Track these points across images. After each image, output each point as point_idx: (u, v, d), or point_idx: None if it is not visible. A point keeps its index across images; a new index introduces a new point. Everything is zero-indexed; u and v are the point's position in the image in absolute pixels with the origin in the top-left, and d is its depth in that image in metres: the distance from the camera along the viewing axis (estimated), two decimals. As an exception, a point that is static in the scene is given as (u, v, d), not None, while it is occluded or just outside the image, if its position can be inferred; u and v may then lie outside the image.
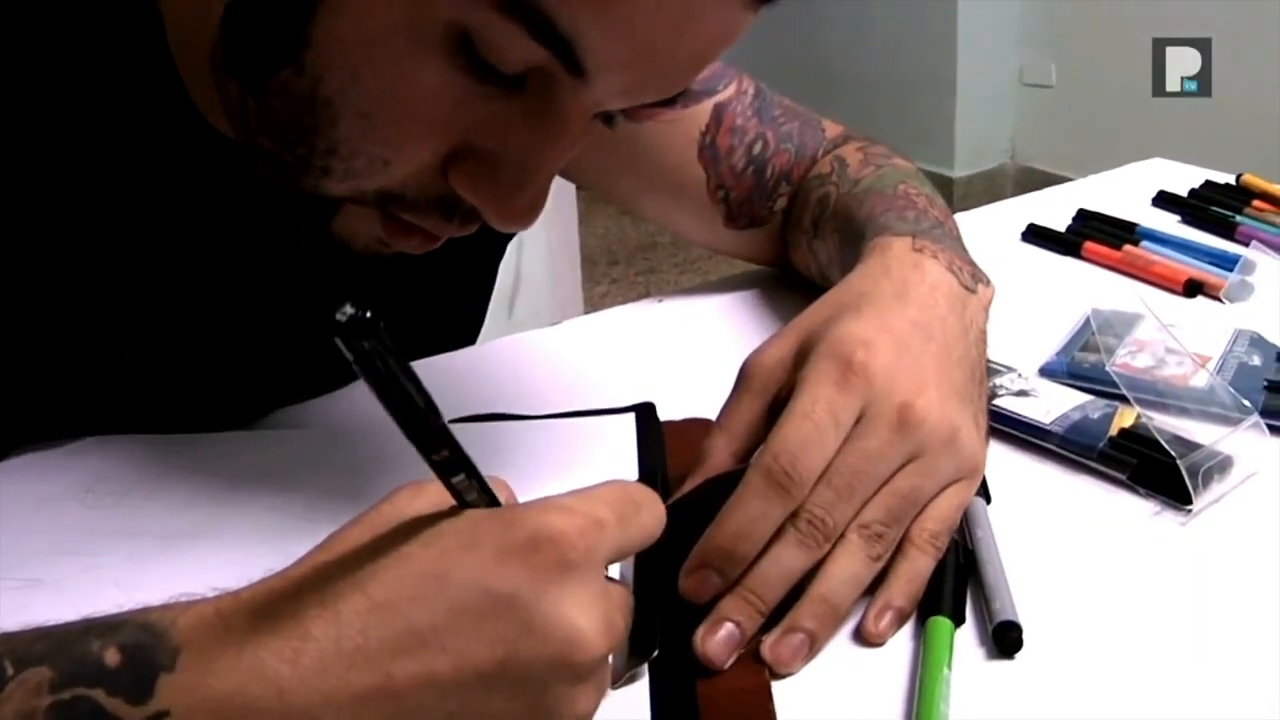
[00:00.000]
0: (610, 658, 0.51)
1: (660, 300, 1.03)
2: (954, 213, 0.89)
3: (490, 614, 0.46)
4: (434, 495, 0.50)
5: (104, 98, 0.67)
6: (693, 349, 0.94)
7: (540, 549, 0.47)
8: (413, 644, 0.45)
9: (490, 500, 0.50)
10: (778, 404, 0.64)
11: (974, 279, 0.73)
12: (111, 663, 0.44)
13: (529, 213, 0.60)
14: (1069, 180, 1.38)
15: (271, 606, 0.46)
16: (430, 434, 0.46)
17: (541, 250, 2.16)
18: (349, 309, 0.40)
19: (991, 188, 4.36)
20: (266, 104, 0.57)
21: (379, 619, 0.45)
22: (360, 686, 0.45)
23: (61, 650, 0.45)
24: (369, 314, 0.40)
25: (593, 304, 3.14)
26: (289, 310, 0.79)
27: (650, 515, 0.53)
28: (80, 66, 0.66)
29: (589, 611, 0.47)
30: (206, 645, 0.45)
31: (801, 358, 0.64)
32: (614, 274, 3.89)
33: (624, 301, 1.05)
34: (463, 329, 0.99)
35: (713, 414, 0.68)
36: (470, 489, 0.49)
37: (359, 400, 0.85)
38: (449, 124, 0.57)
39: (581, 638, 0.47)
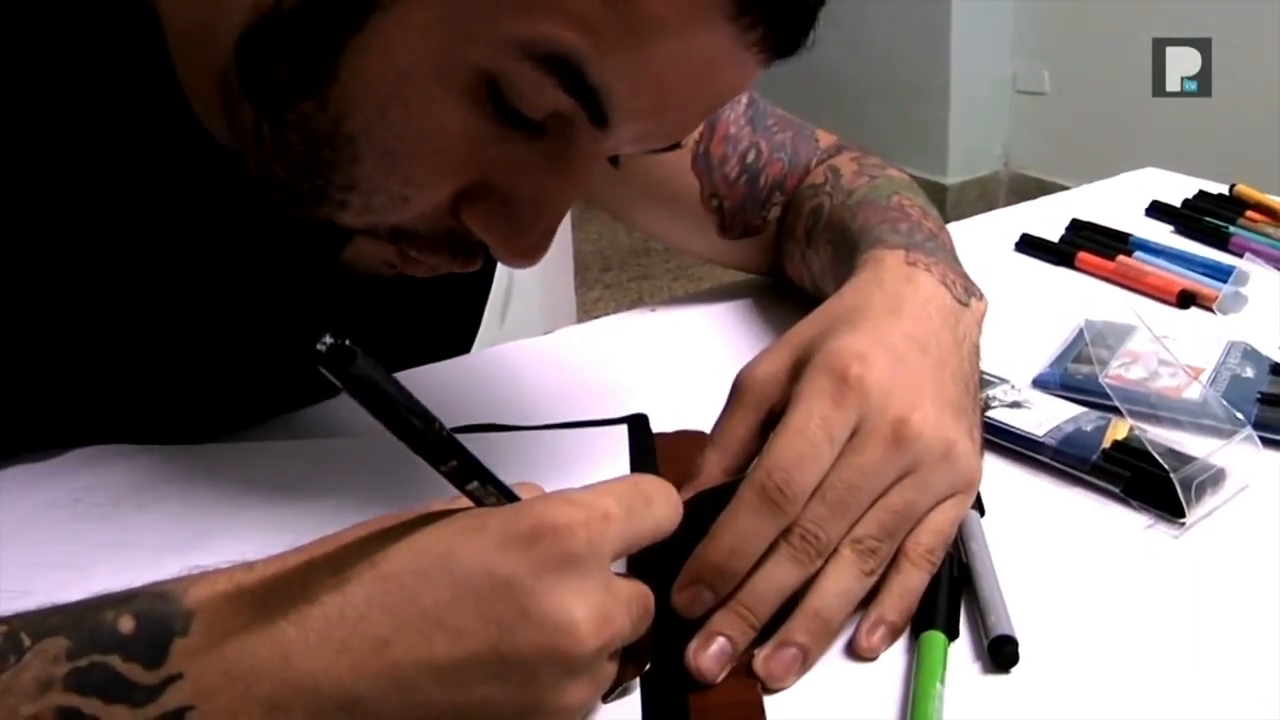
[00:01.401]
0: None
1: (653, 310, 1.03)
2: (947, 220, 0.89)
3: (489, 596, 0.47)
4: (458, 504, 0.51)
5: (102, 106, 0.67)
6: (685, 359, 0.93)
7: (543, 538, 0.48)
8: (413, 617, 0.46)
9: (511, 501, 0.51)
10: (772, 418, 0.64)
11: (967, 292, 0.73)
12: (126, 629, 0.45)
13: (538, 250, 0.62)
14: (1062, 187, 1.38)
15: (284, 574, 0.48)
16: (433, 447, 0.47)
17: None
18: (328, 339, 0.41)
19: (984, 194, 4.36)
20: (283, 135, 0.58)
21: (382, 590, 0.47)
22: (360, 656, 0.46)
23: (77, 620, 0.46)
24: (348, 341, 0.42)
25: (586, 310, 3.14)
26: (287, 316, 0.79)
27: (663, 508, 0.54)
28: (79, 75, 0.66)
29: (585, 604, 0.48)
30: (218, 609, 0.47)
31: (796, 371, 0.64)
32: (607, 280, 3.89)
33: (617, 307, 1.05)
34: (458, 336, 0.99)
35: (705, 425, 0.68)
36: (488, 494, 0.50)
37: (354, 409, 0.85)
38: (468, 164, 0.58)
39: (574, 630, 0.47)
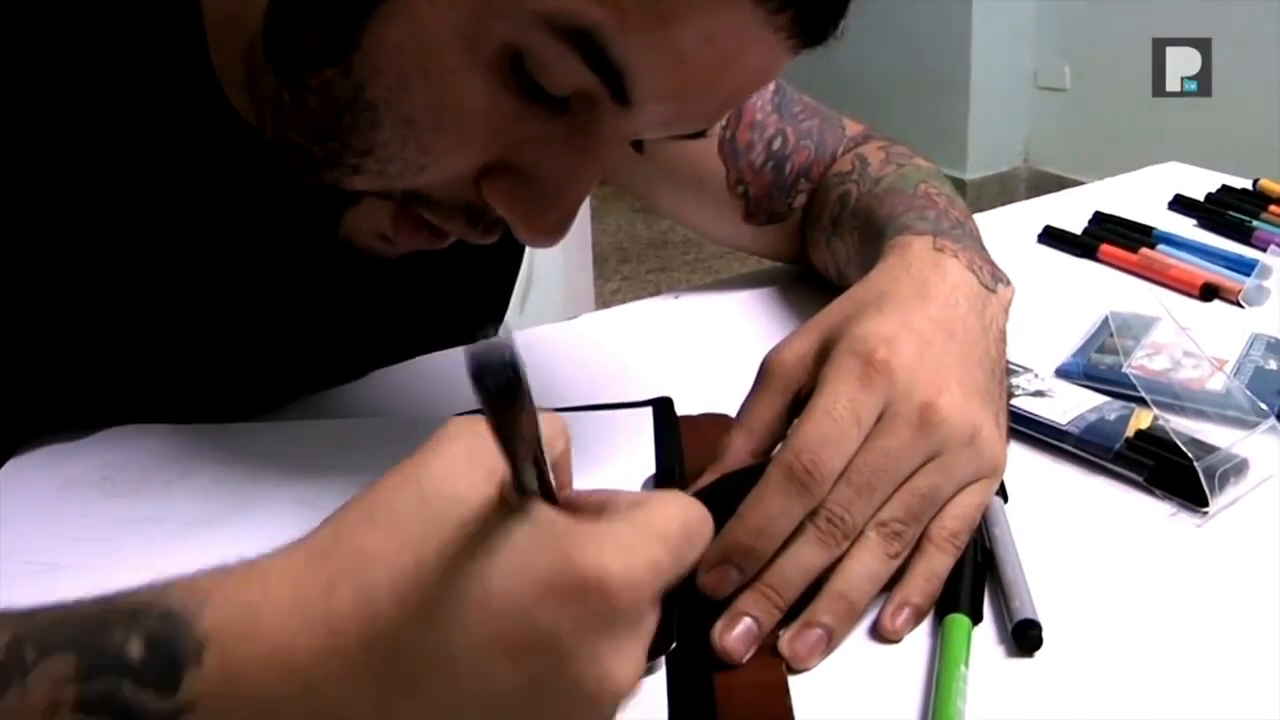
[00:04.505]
0: None
1: (677, 296, 1.04)
2: (967, 214, 0.89)
3: (527, 648, 0.44)
4: (482, 449, 0.45)
5: (138, 89, 0.67)
6: (709, 344, 0.94)
7: (590, 595, 0.44)
8: (444, 662, 0.44)
9: (545, 487, 0.46)
10: (798, 402, 0.64)
11: (994, 279, 0.73)
12: (135, 654, 0.43)
13: (558, 229, 0.62)
14: (1082, 183, 1.38)
15: (303, 600, 0.44)
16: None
17: (554, 248, 2.16)
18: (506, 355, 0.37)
19: (1004, 190, 4.35)
20: (303, 100, 0.58)
21: (414, 631, 0.43)
22: (388, 692, 0.43)
23: (84, 637, 0.43)
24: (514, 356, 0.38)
25: (604, 301, 3.14)
26: (306, 298, 0.79)
27: (701, 544, 0.50)
28: (116, 58, 0.66)
29: (627, 664, 0.45)
30: (234, 639, 0.43)
31: (823, 355, 0.64)
32: (625, 271, 3.89)
33: (635, 299, 1.05)
34: (486, 319, 0.99)
35: (729, 409, 0.68)
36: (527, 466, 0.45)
37: (379, 391, 0.86)
38: (490, 138, 0.58)
39: (614, 686, 0.45)
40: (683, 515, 0.49)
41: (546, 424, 0.45)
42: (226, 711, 0.43)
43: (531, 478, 0.45)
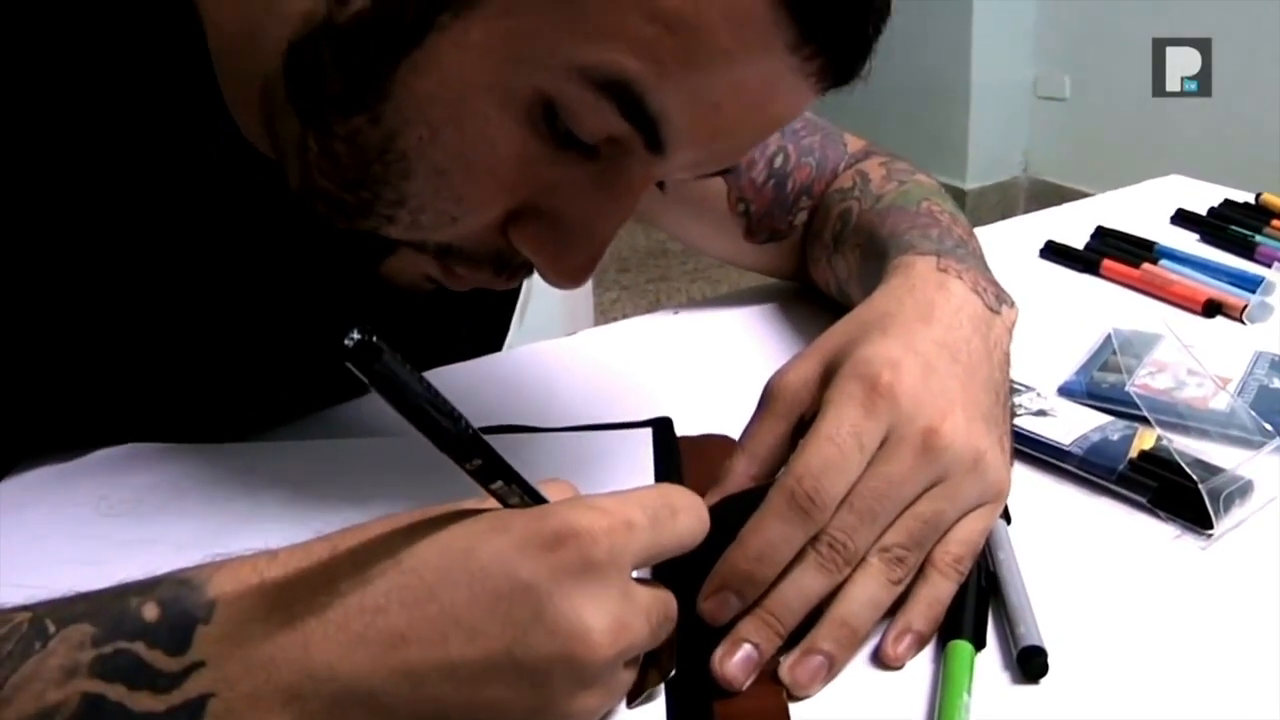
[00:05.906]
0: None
1: (676, 312, 1.03)
2: (967, 227, 0.89)
3: (506, 598, 0.47)
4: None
5: (143, 112, 0.66)
6: (709, 362, 0.93)
7: (564, 544, 0.48)
8: (430, 615, 0.47)
9: (536, 501, 0.51)
10: (802, 425, 0.64)
11: (998, 300, 0.72)
12: (150, 617, 0.47)
13: (585, 271, 0.62)
14: (1082, 193, 1.38)
15: (307, 564, 0.49)
16: (458, 444, 0.47)
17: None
18: (355, 334, 0.42)
19: (1004, 200, 4.35)
20: (331, 147, 0.58)
21: (402, 584, 0.47)
22: (376, 650, 0.47)
23: (101, 608, 0.47)
24: (375, 337, 0.42)
25: (602, 311, 3.14)
26: (320, 316, 0.78)
27: (688, 520, 0.54)
28: (120, 80, 0.65)
29: (602, 613, 0.48)
30: (241, 598, 0.47)
31: (826, 378, 0.64)
32: (624, 281, 3.88)
33: (634, 309, 1.05)
34: (490, 335, 0.99)
35: (729, 429, 0.68)
36: (513, 493, 0.50)
37: (376, 409, 0.85)
38: (520, 185, 0.58)
39: (588, 638, 0.48)
40: (664, 490, 0.55)
41: (554, 489, 0.53)
42: (232, 669, 0.46)
43: (511, 495, 0.51)
